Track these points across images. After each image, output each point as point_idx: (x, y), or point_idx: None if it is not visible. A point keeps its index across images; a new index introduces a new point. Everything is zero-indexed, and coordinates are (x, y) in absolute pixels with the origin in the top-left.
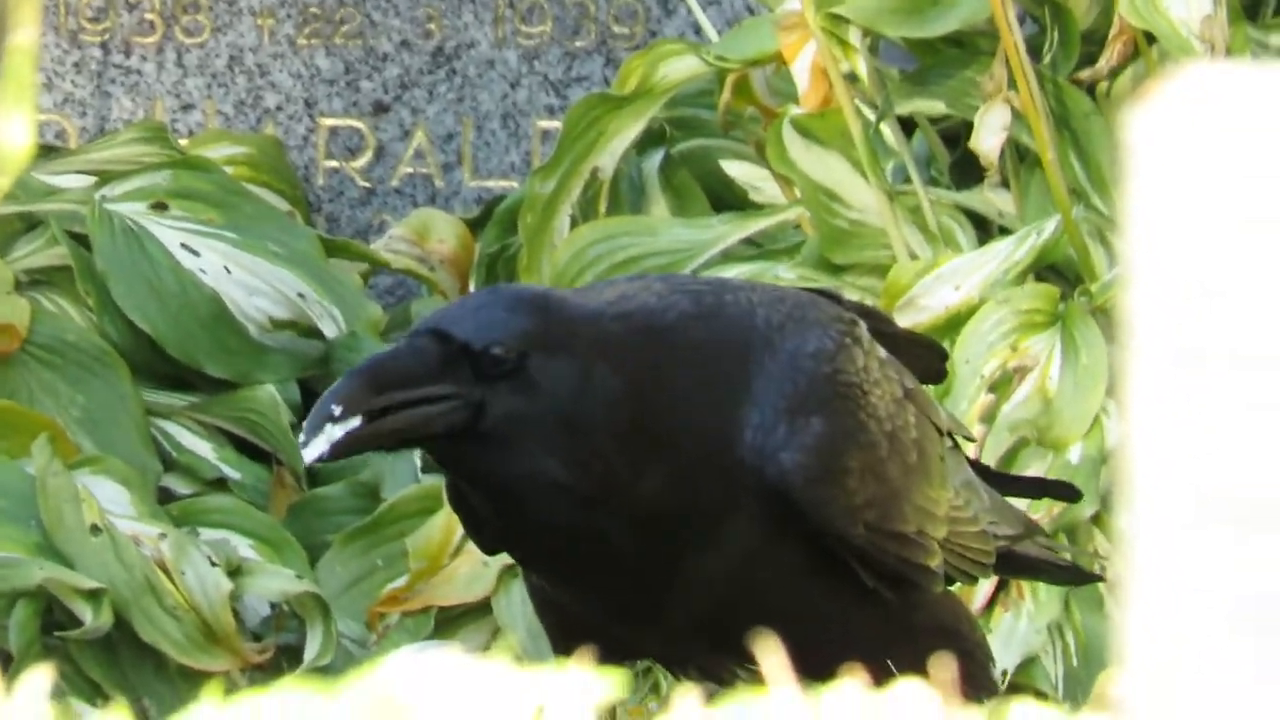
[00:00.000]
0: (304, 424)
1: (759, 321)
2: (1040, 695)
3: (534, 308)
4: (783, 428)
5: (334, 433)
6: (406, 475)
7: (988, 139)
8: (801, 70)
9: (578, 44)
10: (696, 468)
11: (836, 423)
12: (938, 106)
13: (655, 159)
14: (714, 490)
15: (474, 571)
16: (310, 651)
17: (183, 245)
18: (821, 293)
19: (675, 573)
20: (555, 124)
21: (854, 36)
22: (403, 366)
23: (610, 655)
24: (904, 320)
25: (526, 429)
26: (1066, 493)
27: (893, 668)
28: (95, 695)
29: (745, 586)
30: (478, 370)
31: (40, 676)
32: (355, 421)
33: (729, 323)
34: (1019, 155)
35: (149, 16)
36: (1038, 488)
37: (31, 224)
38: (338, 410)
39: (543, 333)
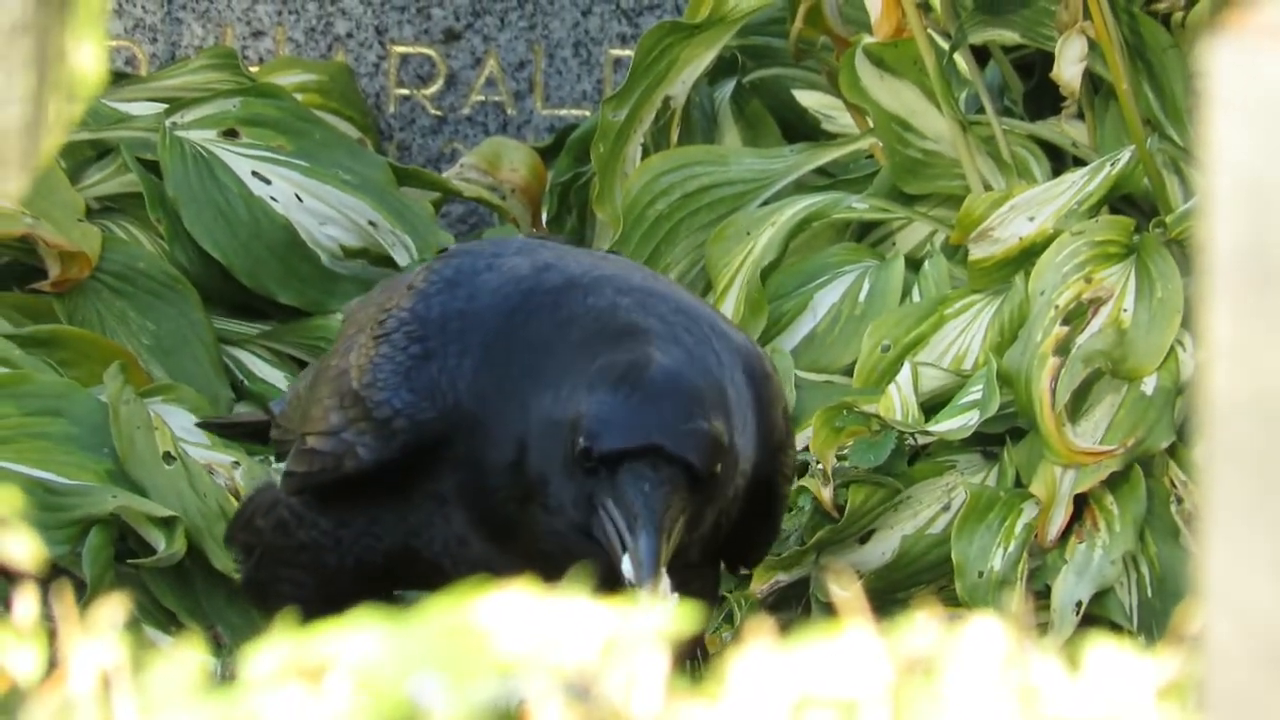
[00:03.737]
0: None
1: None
2: (1115, 628)
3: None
4: None
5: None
6: None
7: (1069, 68)
8: None
9: None
10: None
11: None
12: (1011, 36)
13: (727, 88)
14: None
15: None
16: None
17: (253, 173)
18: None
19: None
20: (627, 52)
21: None
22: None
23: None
24: (978, 251)
25: None
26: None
27: None
28: (168, 623)
29: None
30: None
31: (117, 603)
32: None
33: None
34: (1094, 86)
35: None
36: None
37: (102, 151)
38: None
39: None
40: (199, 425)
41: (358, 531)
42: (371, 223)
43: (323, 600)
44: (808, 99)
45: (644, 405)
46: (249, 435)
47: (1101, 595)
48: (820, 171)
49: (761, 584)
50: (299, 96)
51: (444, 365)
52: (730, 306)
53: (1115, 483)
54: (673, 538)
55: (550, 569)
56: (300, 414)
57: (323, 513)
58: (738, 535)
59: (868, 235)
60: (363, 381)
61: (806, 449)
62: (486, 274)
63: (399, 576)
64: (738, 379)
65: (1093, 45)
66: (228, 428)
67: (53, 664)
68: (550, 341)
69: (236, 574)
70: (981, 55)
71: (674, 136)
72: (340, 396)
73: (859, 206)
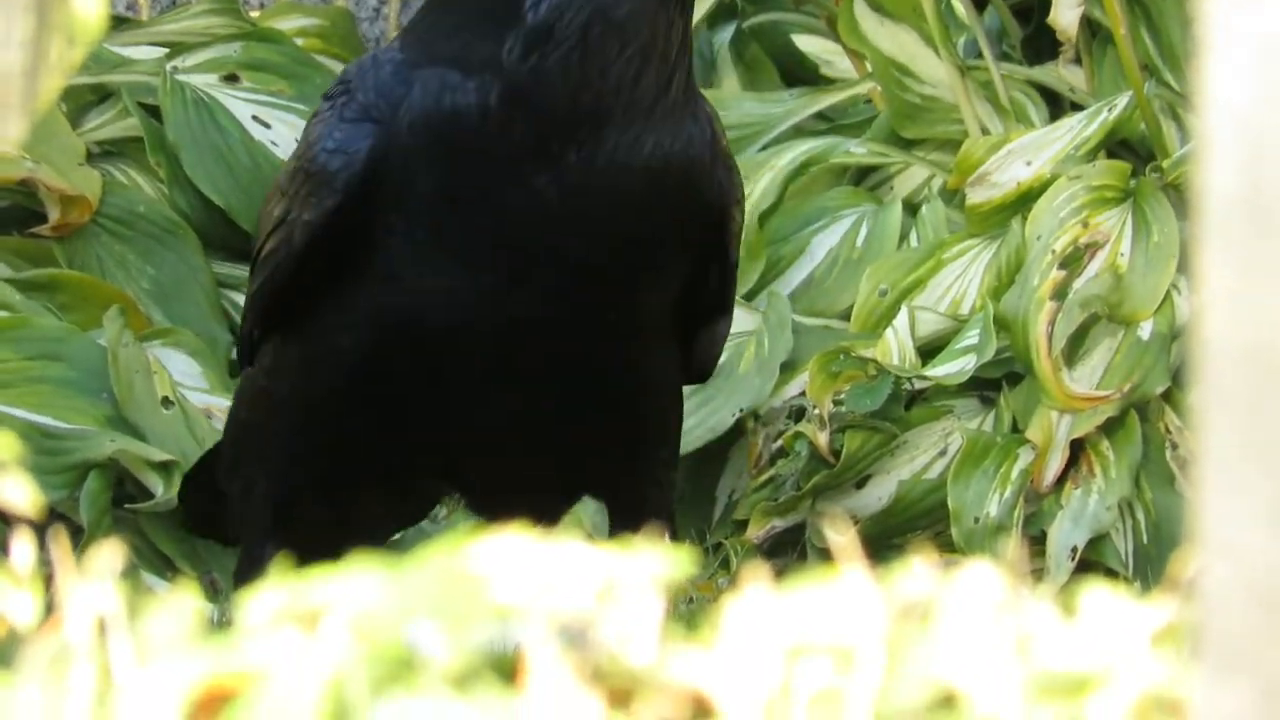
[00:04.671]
0: None
1: None
2: (1110, 573)
3: None
4: None
5: None
6: None
7: (1066, 13)
8: None
9: None
10: None
11: None
12: None
13: (727, 32)
14: None
15: None
16: None
17: (254, 117)
18: None
19: None
20: None
21: None
22: None
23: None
24: (976, 195)
25: None
26: None
27: None
28: (165, 568)
29: None
30: None
31: (113, 549)
32: None
33: None
34: (1091, 31)
35: None
36: None
37: (103, 95)
38: None
39: None
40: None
41: (328, 342)
42: None
43: (311, 473)
44: (807, 44)
45: None
46: None
47: (1097, 541)
48: (819, 116)
49: (757, 529)
50: (299, 41)
51: (372, 82)
52: None
53: (1111, 428)
54: None
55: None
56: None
57: (288, 339)
58: (690, 293)
59: (866, 179)
60: (302, 155)
61: (803, 394)
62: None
63: (382, 397)
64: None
65: None
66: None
67: (50, 609)
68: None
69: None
70: (980, 1)
71: None
72: (281, 190)
73: (857, 151)
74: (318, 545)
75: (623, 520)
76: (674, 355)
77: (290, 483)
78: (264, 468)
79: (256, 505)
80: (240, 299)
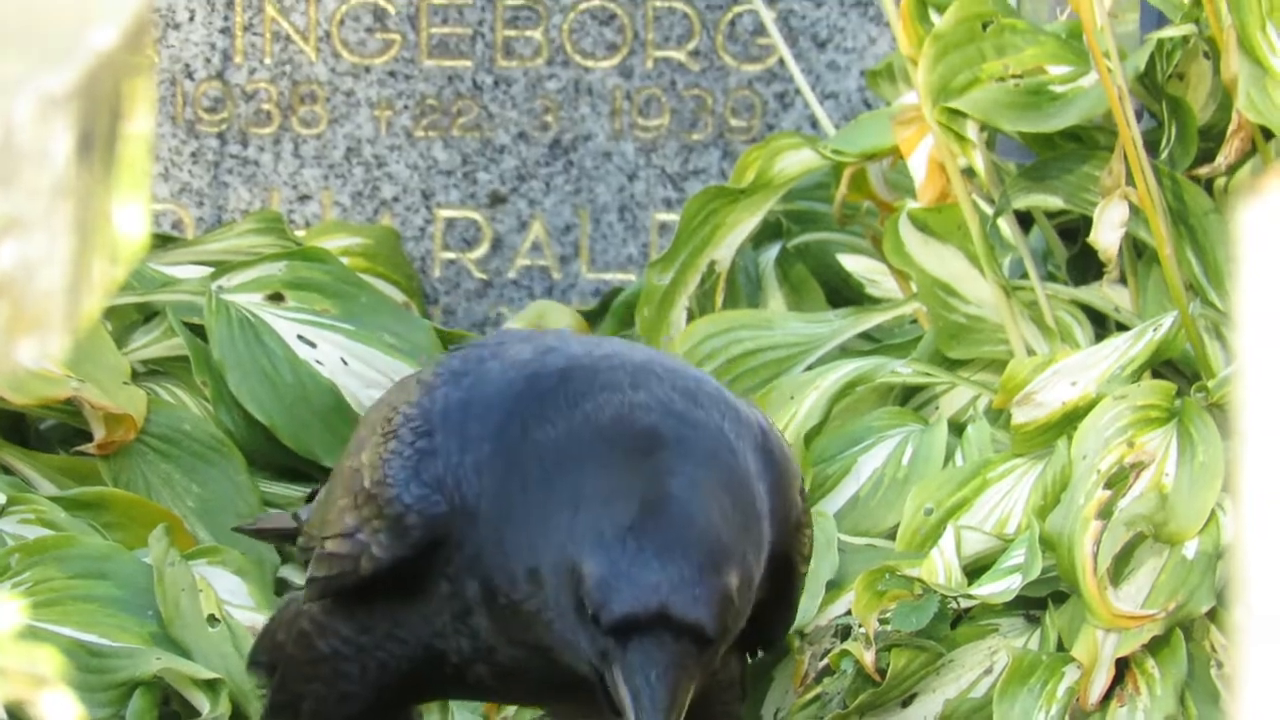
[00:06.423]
0: None
1: None
2: None
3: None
4: None
5: None
6: None
7: (1107, 234)
8: (918, 164)
9: (695, 137)
10: None
11: None
12: (1055, 202)
13: (772, 252)
14: None
15: None
16: None
17: (299, 336)
18: None
19: None
20: (672, 216)
21: (971, 131)
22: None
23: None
24: (1021, 415)
25: None
26: None
27: None
28: None
29: None
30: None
31: None
32: None
33: None
34: (1136, 251)
35: (266, 107)
36: None
37: (148, 314)
38: None
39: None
40: (234, 530)
41: (380, 636)
42: None
43: (346, 716)
44: (852, 263)
45: (653, 562)
46: (279, 538)
47: None
48: (864, 336)
49: None
50: (345, 260)
51: (448, 461)
52: None
53: (1156, 646)
54: (685, 702)
55: (579, 683)
56: (319, 519)
57: (344, 619)
58: (755, 618)
59: (911, 399)
60: (373, 479)
61: (849, 613)
62: (491, 361)
63: (423, 685)
64: (753, 460)
65: (1135, 210)
66: (259, 533)
67: None
68: (563, 448)
69: (260, 698)
70: (1025, 220)
71: (719, 300)
72: (354, 496)
73: (903, 371)
74: None
75: None
76: (740, 662)
77: (326, 711)
78: (301, 689)
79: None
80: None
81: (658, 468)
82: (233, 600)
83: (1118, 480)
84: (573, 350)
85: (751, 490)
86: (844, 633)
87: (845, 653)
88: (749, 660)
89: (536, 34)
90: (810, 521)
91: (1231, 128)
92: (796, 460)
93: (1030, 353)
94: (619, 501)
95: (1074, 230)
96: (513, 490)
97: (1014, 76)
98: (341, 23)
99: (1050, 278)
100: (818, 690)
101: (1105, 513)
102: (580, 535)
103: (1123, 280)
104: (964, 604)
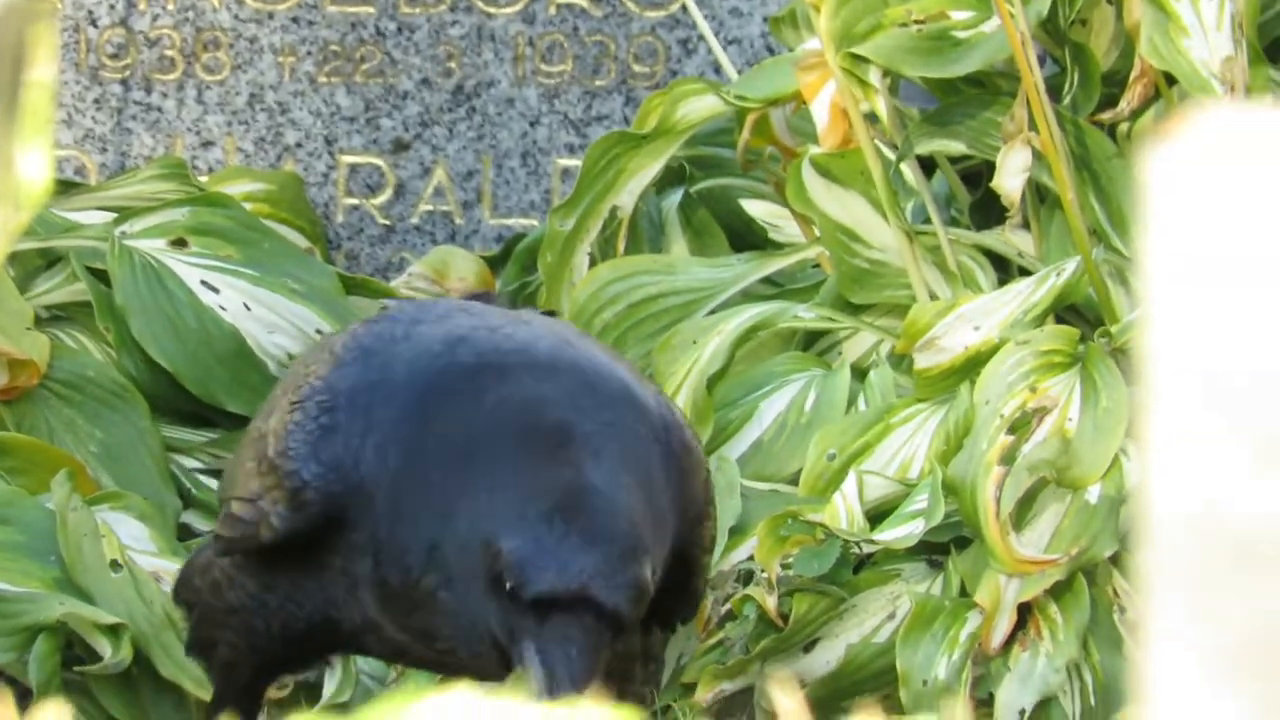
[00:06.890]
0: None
1: None
2: None
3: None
4: None
5: None
6: None
7: (1009, 179)
8: (821, 110)
9: (598, 83)
10: None
11: None
12: (958, 147)
13: (674, 197)
14: None
15: None
16: (329, 687)
17: (202, 282)
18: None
19: None
20: (575, 162)
21: (874, 76)
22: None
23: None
24: (924, 360)
25: None
26: None
27: None
28: None
29: None
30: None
31: (59, 711)
32: None
33: None
34: (1039, 196)
35: (169, 53)
36: None
37: (51, 260)
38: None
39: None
40: None
41: (282, 597)
42: (319, 331)
43: (256, 663)
44: (755, 209)
45: (577, 545)
46: None
47: (1045, 703)
48: (767, 281)
49: (706, 692)
50: (248, 206)
51: (349, 441)
52: None
53: (1059, 591)
54: (593, 678)
55: (465, 663)
56: (229, 476)
57: (250, 576)
58: (657, 605)
59: (814, 344)
60: (277, 449)
61: (751, 558)
62: (403, 343)
63: (324, 645)
64: (658, 454)
65: (1038, 155)
66: None
67: None
68: (472, 439)
69: (187, 683)
70: (928, 165)
71: (621, 246)
72: (259, 461)
73: (806, 316)
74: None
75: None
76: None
77: (239, 656)
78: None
79: (211, 653)
80: (189, 463)
81: (574, 460)
82: (135, 546)
83: (1020, 425)
84: (481, 343)
85: (656, 484)
86: (746, 578)
87: (748, 598)
88: (666, 634)
89: None
90: (712, 514)
91: (1134, 73)
92: (700, 453)
93: (933, 298)
94: (539, 488)
95: (977, 175)
96: (415, 473)
97: (917, 22)
98: None
99: (953, 223)
100: (720, 635)
101: (1008, 458)
102: (499, 515)
103: (1025, 225)
104: (866, 549)
